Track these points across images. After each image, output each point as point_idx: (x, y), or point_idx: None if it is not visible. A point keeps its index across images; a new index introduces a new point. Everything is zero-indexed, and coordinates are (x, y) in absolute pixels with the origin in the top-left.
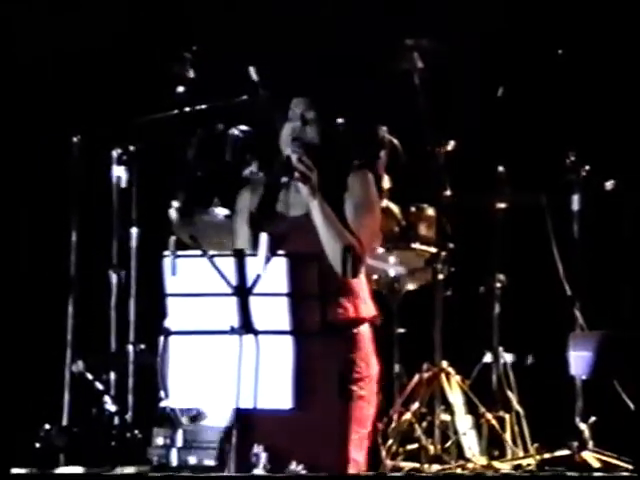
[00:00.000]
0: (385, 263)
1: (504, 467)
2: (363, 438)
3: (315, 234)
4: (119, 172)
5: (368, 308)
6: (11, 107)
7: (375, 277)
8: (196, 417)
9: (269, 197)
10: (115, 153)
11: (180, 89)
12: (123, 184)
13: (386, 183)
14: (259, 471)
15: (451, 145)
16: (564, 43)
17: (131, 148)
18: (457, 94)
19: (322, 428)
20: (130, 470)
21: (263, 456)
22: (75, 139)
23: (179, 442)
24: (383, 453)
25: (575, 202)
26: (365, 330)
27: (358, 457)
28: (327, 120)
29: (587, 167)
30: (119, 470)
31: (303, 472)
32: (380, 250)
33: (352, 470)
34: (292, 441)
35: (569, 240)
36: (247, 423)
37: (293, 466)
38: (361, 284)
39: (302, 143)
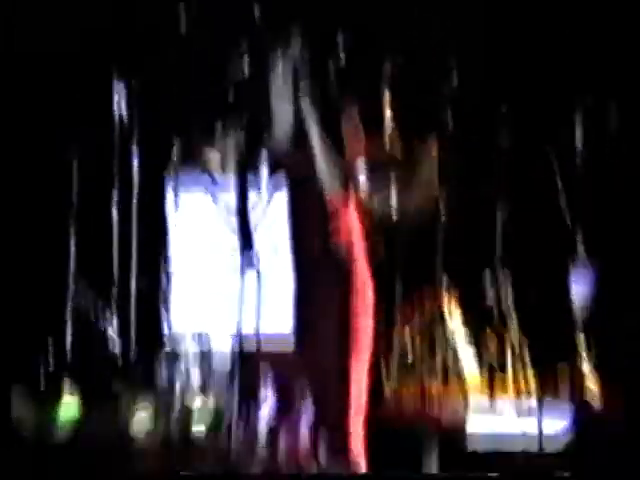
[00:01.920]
0: (387, 194)
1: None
2: (367, 363)
3: (307, 164)
4: (121, 104)
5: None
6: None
7: (377, 206)
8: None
9: (257, 131)
10: (116, 86)
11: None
12: (124, 114)
13: (388, 110)
14: (267, 408)
15: (455, 83)
16: None
17: (132, 82)
18: (461, 32)
19: (325, 359)
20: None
21: (271, 394)
22: (77, 72)
23: (182, 367)
24: None
25: (579, 139)
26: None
27: (362, 383)
28: (326, 51)
29: (591, 95)
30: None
31: (312, 406)
32: (383, 182)
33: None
34: (298, 376)
35: (572, 175)
36: (252, 363)
37: (301, 401)
38: (349, 211)
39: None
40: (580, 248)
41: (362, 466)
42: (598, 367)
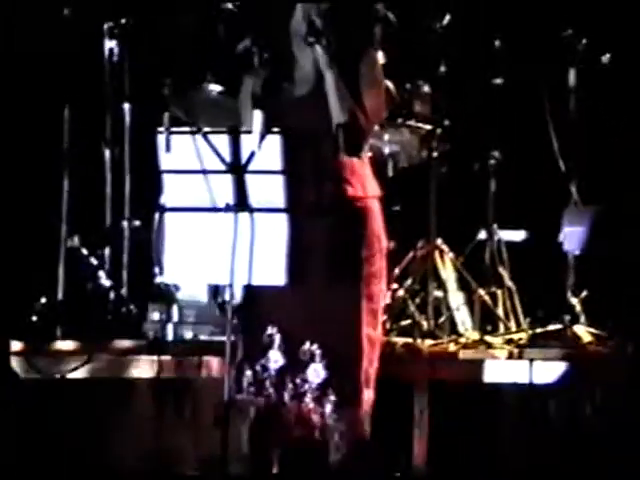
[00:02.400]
0: (380, 140)
1: (496, 341)
2: (376, 313)
3: (319, 113)
4: (111, 45)
5: (374, 186)
6: None
7: (370, 155)
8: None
9: (275, 77)
10: (107, 26)
11: None
12: (115, 58)
13: (381, 59)
14: (274, 352)
15: (447, 20)
16: None
17: (123, 21)
18: None
19: (332, 306)
20: (126, 344)
21: (277, 337)
22: (66, 11)
23: (174, 317)
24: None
25: (571, 77)
26: (375, 206)
27: (372, 333)
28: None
29: (584, 41)
30: (116, 343)
31: (318, 352)
32: (375, 127)
33: (366, 347)
34: (304, 321)
35: (565, 116)
36: (257, 302)
37: (307, 346)
38: (364, 165)
39: (314, 17)
40: (576, 196)
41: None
42: (593, 325)
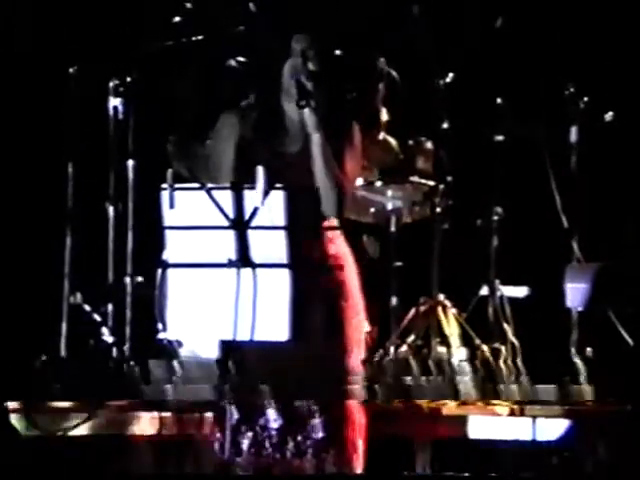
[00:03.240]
0: (383, 196)
1: (500, 410)
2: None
3: (308, 172)
4: (116, 103)
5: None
6: (7, 38)
7: (372, 210)
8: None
9: (263, 126)
10: (112, 84)
11: (177, 19)
12: (120, 116)
13: (384, 116)
14: (271, 411)
15: (450, 77)
16: None
17: (128, 79)
18: (456, 25)
19: (323, 359)
20: (128, 401)
21: (272, 395)
22: (72, 70)
23: (177, 374)
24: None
25: (573, 134)
26: (349, 263)
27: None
28: (329, 56)
29: (586, 99)
30: (117, 400)
31: (314, 407)
32: (378, 183)
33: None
34: (295, 376)
35: (567, 173)
36: (245, 359)
37: (304, 402)
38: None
39: (303, 80)
40: (578, 253)
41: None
42: (594, 381)
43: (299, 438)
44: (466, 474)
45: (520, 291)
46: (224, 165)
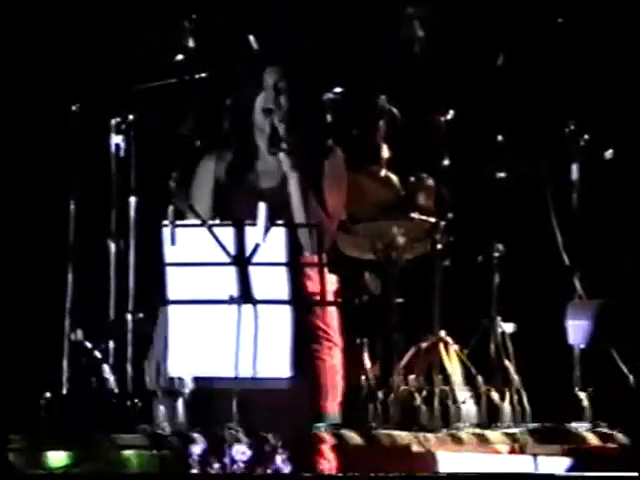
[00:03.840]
0: (387, 233)
1: (497, 436)
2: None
3: (286, 207)
4: (117, 141)
5: (332, 280)
6: (9, 76)
7: (380, 246)
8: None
9: (239, 164)
10: (113, 122)
11: (179, 58)
12: (122, 153)
13: (385, 152)
14: (239, 446)
15: (450, 114)
16: (564, 12)
17: (130, 117)
18: (457, 63)
19: (314, 397)
20: (130, 438)
21: (240, 430)
22: (74, 107)
23: (180, 410)
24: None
25: (574, 171)
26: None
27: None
28: (303, 89)
29: (586, 136)
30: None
31: (279, 443)
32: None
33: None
34: (273, 412)
35: (568, 210)
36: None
37: (271, 439)
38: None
39: (273, 113)
40: (580, 290)
41: None
42: (599, 420)
43: (269, 471)
44: (465, 474)
45: (508, 327)
46: (199, 208)
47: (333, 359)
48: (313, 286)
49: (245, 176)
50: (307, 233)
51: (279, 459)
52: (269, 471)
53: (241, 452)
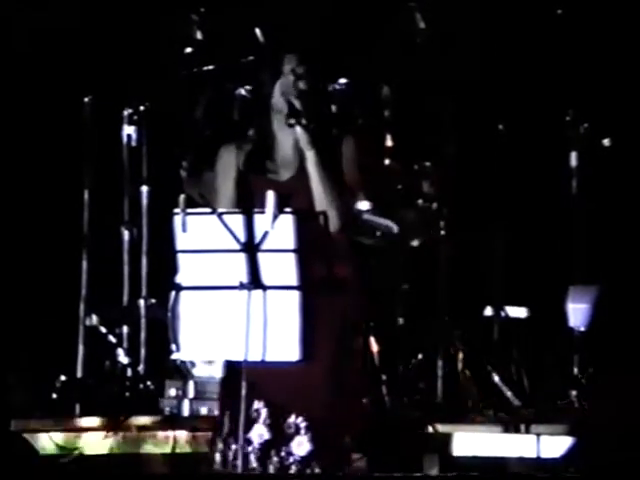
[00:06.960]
0: (388, 220)
1: (503, 416)
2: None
3: (306, 196)
4: (130, 131)
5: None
6: (25, 69)
7: (378, 234)
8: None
9: (258, 154)
10: (126, 113)
11: (188, 50)
12: (134, 143)
13: (389, 141)
14: (259, 426)
15: (452, 104)
16: (564, 2)
17: (141, 108)
18: (458, 53)
19: (330, 379)
20: (143, 420)
21: (264, 412)
22: (87, 99)
23: (191, 393)
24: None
25: (573, 159)
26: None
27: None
28: (320, 75)
29: (585, 124)
30: (133, 419)
31: (303, 424)
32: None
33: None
34: (293, 395)
35: (568, 196)
36: (248, 378)
37: (292, 419)
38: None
39: (293, 99)
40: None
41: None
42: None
43: (283, 453)
44: (465, 474)
45: (520, 312)
46: (224, 198)
47: (358, 338)
48: (332, 270)
49: (265, 166)
50: (332, 211)
51: (296, 441)
52: (282, 453)
53: (258, 434)
